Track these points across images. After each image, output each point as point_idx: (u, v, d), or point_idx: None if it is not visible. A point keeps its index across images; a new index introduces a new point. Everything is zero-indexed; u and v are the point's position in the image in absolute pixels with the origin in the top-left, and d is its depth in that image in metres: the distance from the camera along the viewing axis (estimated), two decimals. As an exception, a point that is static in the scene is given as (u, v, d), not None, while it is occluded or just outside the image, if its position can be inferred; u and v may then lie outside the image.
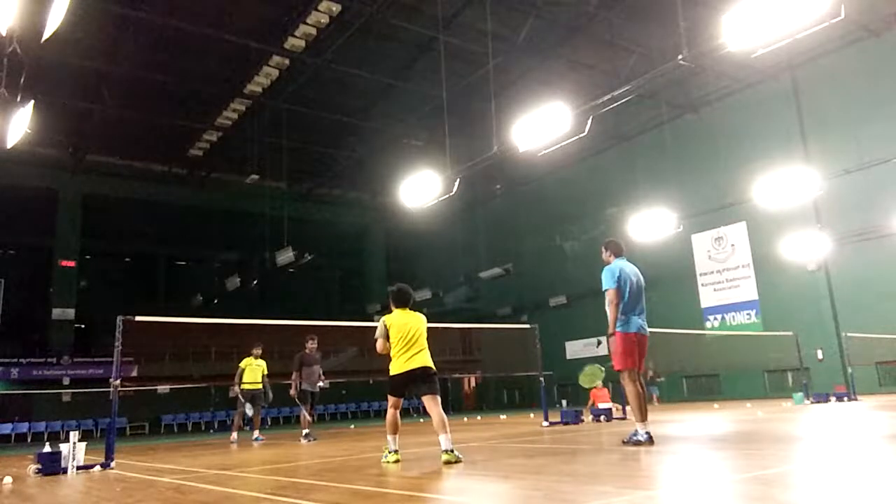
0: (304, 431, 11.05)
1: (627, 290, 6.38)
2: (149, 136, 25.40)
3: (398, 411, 6.14)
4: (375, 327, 6.27)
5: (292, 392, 11.32)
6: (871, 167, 19.71)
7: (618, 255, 6.61)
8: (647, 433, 6.08)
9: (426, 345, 6.16)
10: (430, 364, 6.06)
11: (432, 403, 5.87)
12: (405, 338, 6.05)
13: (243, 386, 12.17)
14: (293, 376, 11.36)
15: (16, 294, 26.72)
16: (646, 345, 6.56)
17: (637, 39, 19.83)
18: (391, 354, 6.09)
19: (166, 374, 23.64)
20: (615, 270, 6.39)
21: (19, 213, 26.76)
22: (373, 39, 19.82)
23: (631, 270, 6.52)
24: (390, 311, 6.30)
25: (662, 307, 24.62)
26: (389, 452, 5.99)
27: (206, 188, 29.69)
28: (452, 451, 5.57)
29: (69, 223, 27.32)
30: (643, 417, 6.14)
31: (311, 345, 11.50)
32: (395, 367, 6.03)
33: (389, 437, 6.06)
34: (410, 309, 6.32)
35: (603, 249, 6.73)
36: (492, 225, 34.20)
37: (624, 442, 6.20)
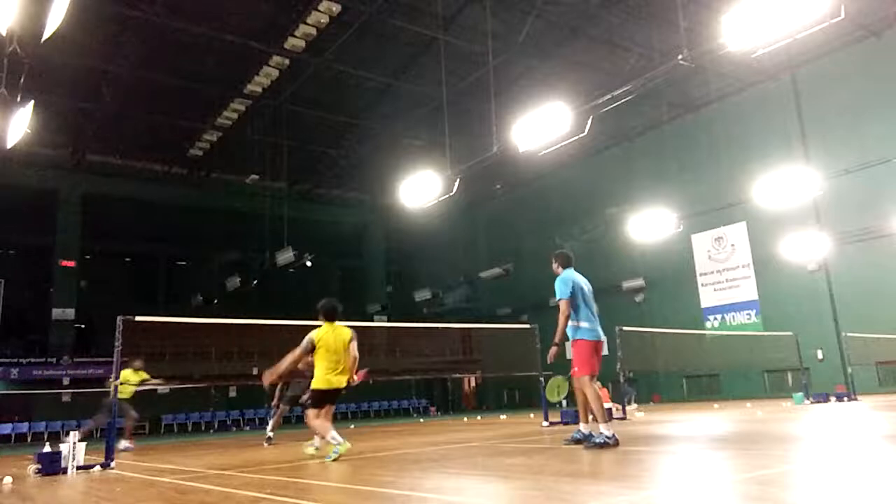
0: (269, 434, 11.02)
1: (581, 298, 6.43)
2: (149, 136, 25.40)
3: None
4: (375, 327, 6.46)
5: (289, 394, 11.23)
6: (871, 167, 19.71)
7: (566, 266, 6.66)
8: (613, 434, 6.09)
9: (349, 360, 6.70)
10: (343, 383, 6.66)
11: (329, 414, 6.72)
12: (334, 354, 6.58)
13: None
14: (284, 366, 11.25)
15: (16, 294, 26.73)
16: (602, 350, 6.72)
17: (637, 39, 19.83)
18: (316, 367, 6.55)
19: (166, 374, 23.59)
20: (568, 280, 6.45)
21: (19, 213, 26.75)
22: (373, 39, 19.83)
23: (582, 280, 6.59)
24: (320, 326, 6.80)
25: (662, 307, 24.74)
26: (337, 444, 6.31)
27: (206, 188, 29.65)
28: (318, 448, 6.73)
29: (69, 223, 27.27)
30: (606, 418, 6.22)
31: None
32: (321, 382, 6.51)
33: (330, 436, 6.42)
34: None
35: (552, 260, 6.77)
36: (492, 225, 34.19)
37: (578, 442, 6.22)
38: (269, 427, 11.06)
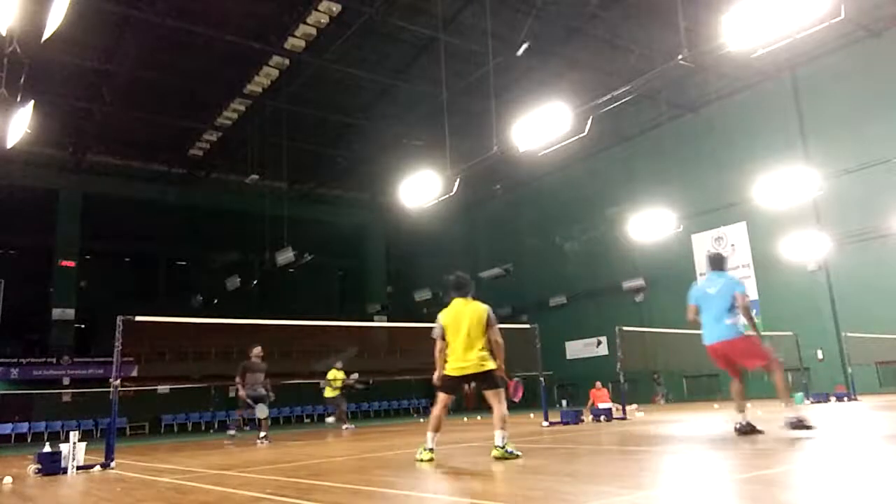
0: (230, 432, 11.39)
1: (699, 304, 6.77)
2: (149, 136, 25.40)
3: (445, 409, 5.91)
4: (375, 327, 6.22)
5: (240, 394, 11.39)
6: (871, 167, 19.71)
7: (713, 268, 6.93)
8: (739, 423, 6.58)
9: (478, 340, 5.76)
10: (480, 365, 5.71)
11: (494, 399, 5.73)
12: (456, 333, 5.75)
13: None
14: (236, 380, 11.46)
15: (16, 294, 26.69)
16: (729, 349, 6.56)
17: (637, 39, 19.82)
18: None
19: (166, 374, 23.64)
20: (692, 289, 6.90)
21: (19, 213, 26.74)
22: (373, 39, 19.82)
23: (710, 282, 6.76)
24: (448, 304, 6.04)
25: (662, 307, 24.68)
26: (424, 450, 5.78)
27: (206, 188, 29.66)
28: (504, 447, 5.49)
29: (69, 223, 27.28)
30: (743, 409, 6.69)
31: (257, 350, 11.64)
32: (448, 368, 5.78)
33: (428, 435, 5.84)
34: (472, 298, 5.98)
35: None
36: (492, 225, 34.19)
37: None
38: (261, 432, 11.29)
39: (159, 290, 34.88)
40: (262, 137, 24.24)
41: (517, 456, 5.52)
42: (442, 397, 5.85)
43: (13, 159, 21.88)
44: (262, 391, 11.38)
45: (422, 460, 5.67)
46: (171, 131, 25.04)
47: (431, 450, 5.73)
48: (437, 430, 5.82)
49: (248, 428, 14.22)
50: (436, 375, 5.88)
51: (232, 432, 11.64)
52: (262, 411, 11.11)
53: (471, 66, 19.94)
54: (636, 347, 14.46)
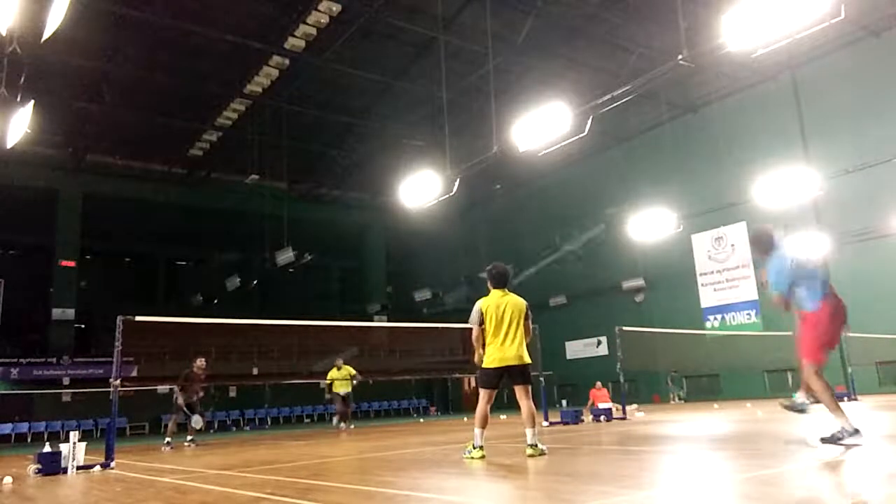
0: (167, 440, 11.48)
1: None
2: (149, 136, 25.39)
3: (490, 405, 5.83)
4: (375, 327, 6.24)
5: (179, 402, 11.81)
6: (871, 167, 19.70)
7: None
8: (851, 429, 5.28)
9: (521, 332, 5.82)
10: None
11: (523, 394, 5.75)
12: (500, 324, 5.74)
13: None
14: (176, 387, 11.94)
15: (16, 294, 26.70)
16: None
17: (637, 39, 19.83)
18: (486, 343, 5.79)
19: (166, 374, 23.63)
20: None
21: (19, 213, 26.75)
22: (373, 39, 19.83)
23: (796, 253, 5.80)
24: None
25: (662, 307, 24.72)
26: (474, 448, 5.74)
27: (206, 188, 29.66)
28: (536, 445, 5.54)
29: (69, 223, 27.27)
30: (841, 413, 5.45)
31: (200, 363, 12.09)
32: (488, 360, 5.75)
33: (476, 431, 5.78)
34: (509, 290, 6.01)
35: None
36: (492, 225, 34.17)
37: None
38: (166, 433, 11.76)
39: (159, 290, 34.90)
40: (262, 137, 24.25)
41: (545, 452, 5.58)
42: (485, 392, 5.80)
43: (13, 159, 21.89)
44: (196, 402, 11.97)
45: (472, 458, 5.62)
46: (171, 131, 25.03)
47: (482, 447, 5.69)
48: (484, 426, 5.78)
49: (247, 428, 14.25)
50: (476, 357, 5.90)
51: (190, 438, 11.80)
52: (196, 422, 11.77)
53: (471, 66, 19.95)
54: (636, 347, 14.47)
